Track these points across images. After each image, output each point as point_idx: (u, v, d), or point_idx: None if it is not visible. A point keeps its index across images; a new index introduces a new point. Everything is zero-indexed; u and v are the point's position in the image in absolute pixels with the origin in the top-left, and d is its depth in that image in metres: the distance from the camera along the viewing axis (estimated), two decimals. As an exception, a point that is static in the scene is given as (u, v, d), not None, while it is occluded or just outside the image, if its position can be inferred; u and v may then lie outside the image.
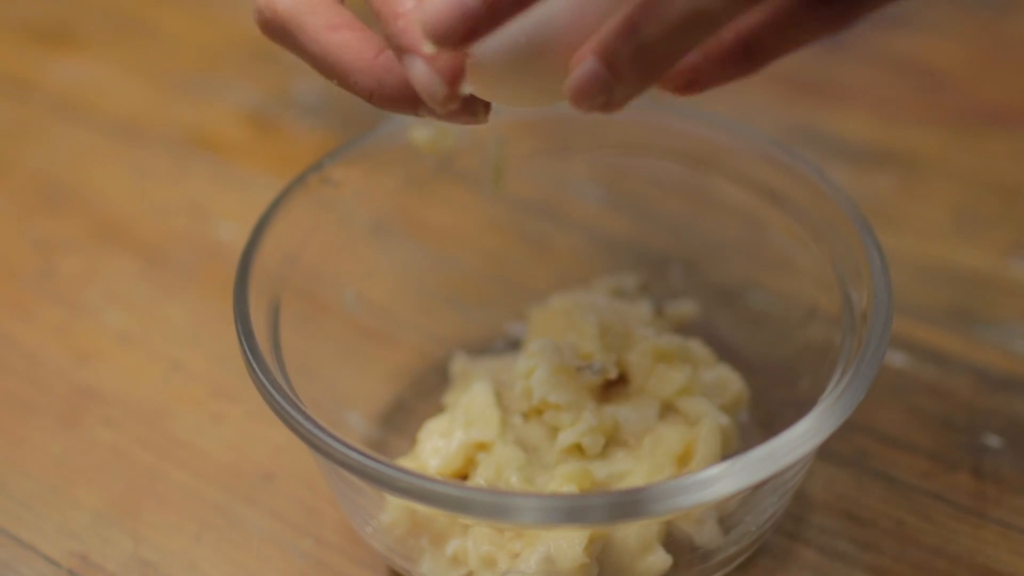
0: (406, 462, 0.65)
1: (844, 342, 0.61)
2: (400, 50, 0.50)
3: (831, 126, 0.92)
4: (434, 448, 0.64)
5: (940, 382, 0.73)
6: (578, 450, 0.63)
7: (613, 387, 0.66)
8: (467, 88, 0.52)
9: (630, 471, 0.63)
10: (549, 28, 0.50)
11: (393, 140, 0.71)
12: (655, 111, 0.71)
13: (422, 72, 0.50)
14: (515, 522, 0.53)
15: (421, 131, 0.70)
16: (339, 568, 0.66)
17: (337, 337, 0.73)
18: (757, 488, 0.59)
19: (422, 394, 0.74)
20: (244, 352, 0.60)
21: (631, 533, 0.60)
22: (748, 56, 0.52)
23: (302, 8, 0.54)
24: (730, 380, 0.67)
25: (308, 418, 0.56)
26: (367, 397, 0.72)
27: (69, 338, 0.80)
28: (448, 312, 0.78)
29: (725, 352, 0.70)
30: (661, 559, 0.60)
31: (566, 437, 0.63)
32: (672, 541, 0.61)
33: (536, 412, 0.64)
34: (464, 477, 0.64)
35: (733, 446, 0.65)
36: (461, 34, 0.47)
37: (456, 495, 0.53)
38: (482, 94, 0.53)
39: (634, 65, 0.49)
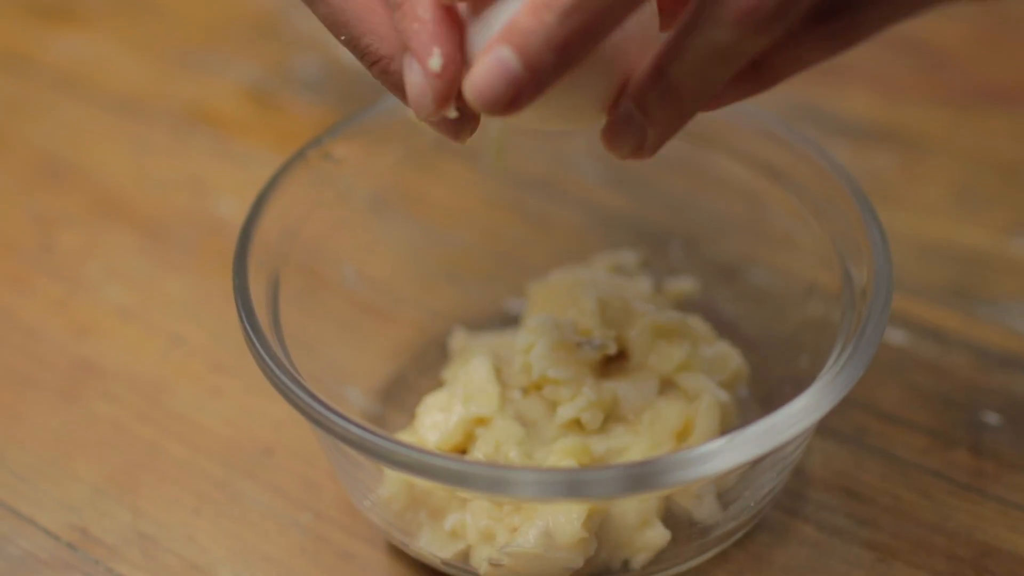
0: (405, 437, 0.65)
1: (844, 319, 0.61)
2: (405, 48, 0.51)
3: (832, 104, 0.92)
4: (433, 423, 0.64)
5: (939, 359, 0.73)
6: (577, 425, 0.63)
7: (612, 363, 0.66)
8: (452, 113, 0.52)
9: (629, 446, 0.63)
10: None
11: (393, 116, 0.71)
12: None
13: (417, 80, 0.50)
14: (513, 496, 0.53)
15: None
16: (338, 542, 0.66)
17: (336, 312, 0.73)
18: (756, 464, 0.59)
19: (421, 369, 0.74)
20: (244, 327, 0.60)
21: (630, 508, 0.60)
22: (759, 75, 0.53)
23: None
24: (729, 356, 0.67)
25: (307, 392, 0.56)
26: (366, 372, 0.73)
27: (69, 313, 0.80)
28: (447, 288, 0.78)
29: (724, 328, 0.70)
30: (660, 534, 0.60)
31: (565, 412, 0.63)
32: (671, 516, 0.61)
33: (535, 387, 0.64)
34: (463, 452, 0.64)
35: (732, 422, 0.65)
36: (507, 101, 0.47)
37: (455, 469, 0.53)
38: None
39: (663, 105, 0.50)
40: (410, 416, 0.67)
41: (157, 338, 0.78)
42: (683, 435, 0.63)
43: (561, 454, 0.61)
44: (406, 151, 0.73)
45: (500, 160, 0.70)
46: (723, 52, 0.48)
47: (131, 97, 0.99)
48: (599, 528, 0.60)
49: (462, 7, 0.51)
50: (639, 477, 0.52)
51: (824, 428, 0.69)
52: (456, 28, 0.50)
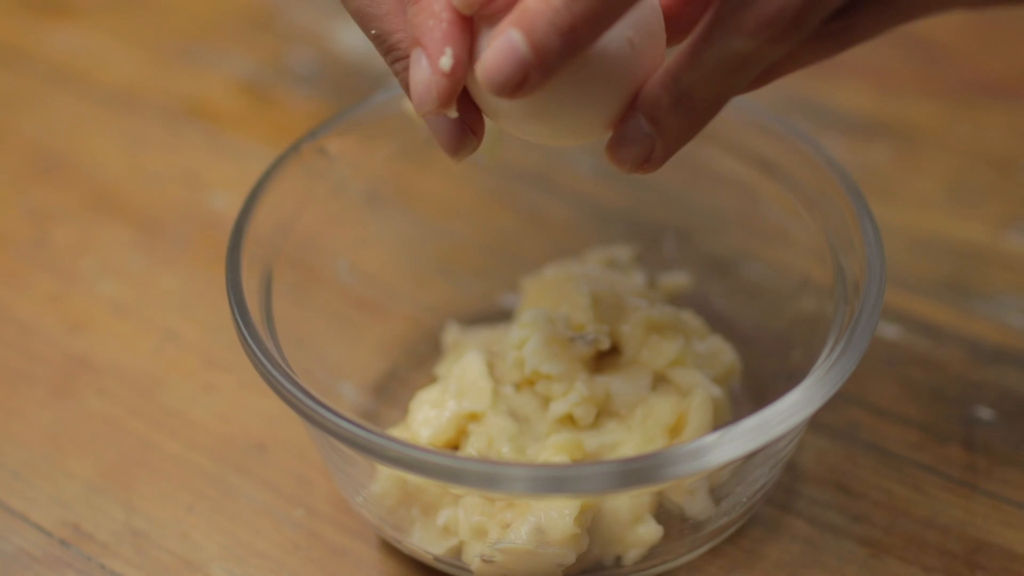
0: (397, 432, 0.65)
1: (836, 313, 0.61)
2: (415, 42, 0.51)
3: (826, 97, 0.92)
4: (425, 418, 0.64)
5: (932, 354, 0.73)
6: (570, 420, 0.63)
7: (605, 358, 0.66)
8: (453, 112, 0.53)
9: (621, 441, 0.63)
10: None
11: (387, 110, 0.71)
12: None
13: (424, 76, 0.51)
14: (506, 491, 0.53)
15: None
16: (330, 538, 0.66)
17: (330, 307, 0.73)
18: (748, 459, 0.59)
19: (414, 364, 0.74)
20: (236, 322, 0.60)
21: (622, 504, 0.60)
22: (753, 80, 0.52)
23: None
24: (722, 351, 0.67)
25: (299, 388, 0.56)
26: (359, 367, 0.73)
27: (62, 307, 0.80)
28: (441, 282, 0.78)
29: (718, 323, 0.70)
30: (652, 530, 0.60)
31: (558, 407, 0.63)
32: (663, 512, 0.61)
33: (528, 382, 0.64)
34: (456, 448, 0.64)
35: (725, 417, 0.65)
36: (515, 82, 0.48)
37: (446, 464, 0.53)
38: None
39: (675, 115, 0.50)
40: (403, 411, 0.67)
41: (151, 333, 0.78)
42: (676, 430, 0.63)
43: (554, 450, 0.61)
44: (400, 145, 0.73)
45: (494, 155, 0.70)
46: (740, 61, 0.48)
47: (125, 91, 0.99)
48: (591, 524, 0.60)
49: None
50: (631, 473, 0.52)
51: (817, 423, 0.69)
52: (468, 31, 0.51)
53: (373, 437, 0.53)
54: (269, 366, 0.57)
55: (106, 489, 0.69)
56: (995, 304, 0.76)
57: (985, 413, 0.70)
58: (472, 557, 0.60)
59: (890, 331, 0.74)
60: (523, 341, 0.64)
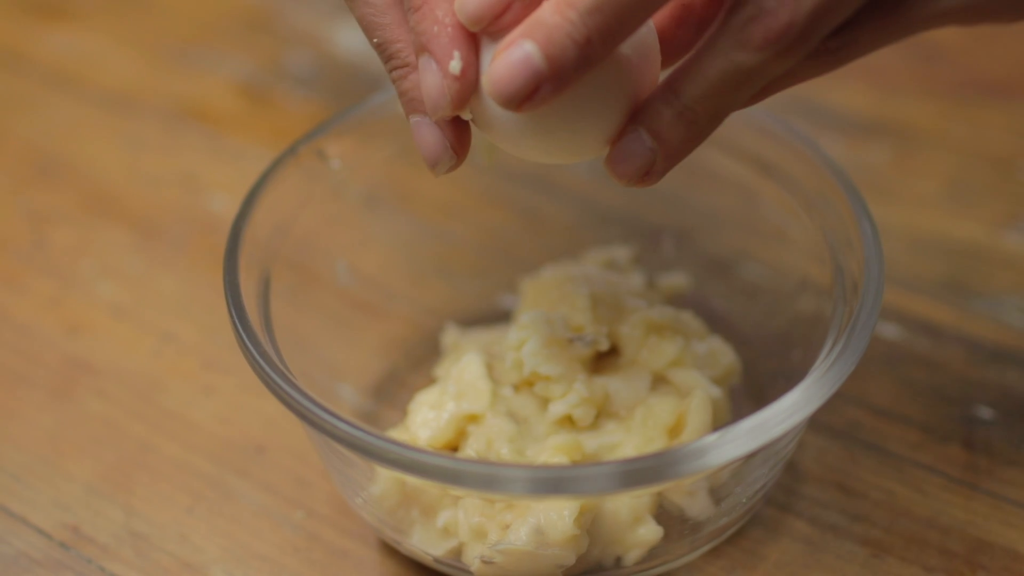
0: (397, 434, 0.65)
1: (835, 313, 0.61)
2: (422, 49, 0.52)
3: (825, 97, 0.92)
4: (424, 420, 0.64)
5: (932, 354, 0.73)
6: (569, 421, 0.63)
7: (604, 359, 0.66)
8: (467, 115, 0.54)
9: (621, 442, 0.63)
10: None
11: (385, 111, 0.71)
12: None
13: (434, 81, 0.51)
14: (505, 493, 0.53)
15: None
16: (330, 540, 0.66)
17: (328, 309, 0.73)
18: (748, 459, 0.59)
19: (413, 366, 0.74)
20: (234, 325, 0.59)
21: (622, 505, 0.60)
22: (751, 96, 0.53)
23: None
24: (722, 352, 0.67)
25: (298, 390, 0.56)
26: (358, 369, 0.72)
27: (61, 310, 0.80)
28: (440, 284, 0.78)
29: (717, 324, 0.70)
30: (652, 530, 0.60)
31: (557, 408, 0.63)
32: (663, 513, 0.61)
33: (527, 384, 0.64)
34: (455, 449, 0.64)
35: (724, 417, 0.65)
36: (526, 94, 0.48)
37: (446, 466, 0.53)
38: (494, 137, 0.55)
39: (677, 128, 0.51)
40: (402, 413, 0.67)
41: (149, 336, 0.78)
42: (675, 431, 0.63)
43: (553, 451, 0.61)
44: (398, 147, 0.72)
45: (492, 158, 0.70)
46: (745, 75, 0.49)
47: (123, 93, 0.99)
48: (591, 525, 0.59)
49: None
50: (631, 474, 0.52)
51: (817, 423, 0.69)
52: (473, 36, 0.52)
53: (372, 439, 0.53)
54: (267, 369, 0.57)
55: (106, 491, 0.69)
56: (995, 304, 0.76)
57: (985, 413, 0.70)
58: (472, 558, 0.60)
59: (890, 331, 0.74)
60: (522, 342, 0.64)
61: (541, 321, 0.64)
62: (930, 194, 0.84)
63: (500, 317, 0.75)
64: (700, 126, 0.51)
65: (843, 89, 0.93)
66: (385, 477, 0.61)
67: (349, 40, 1.01)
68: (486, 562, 0.59)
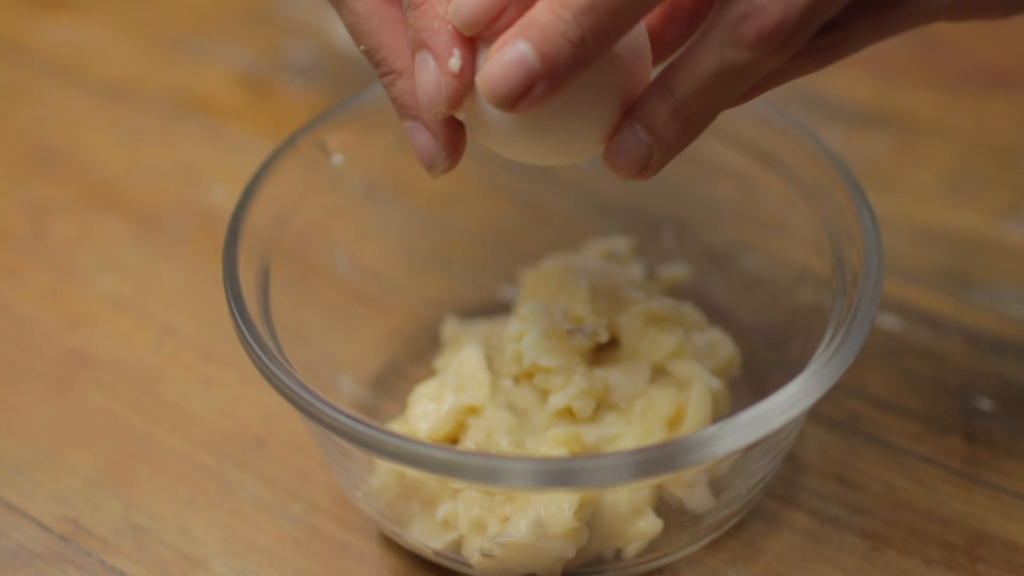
0: (396, 426, 0.65)
1: (835, 304, 0.61)
2: (421, 45, 0.52)
3: (825, 88, 0.92)
4: (424, 412, 0.64)
5: (933, 345, 0.73)
6: (569, 413, 0.63)
7: (604, 350, 0.66)
8: (462, 114, 0.54)
9: (620, 434, 0.63)
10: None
11: (385, 102, 0.70)
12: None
13: (432, 79, 0.52)
14: (505, 486, 0.53)
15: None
16: (330, 532, 0.66)
17: (328, 300, 0.73)
18: (748, 451, 0.59)
19: (413, 358, 0.74)
20: (233, 317, 0.59)
21: (622, 497, 0.60)
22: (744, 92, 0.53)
23: None
24: (721, 343, 0.67)
25: (298, 382, 0.56)
26: (358, 361, 0.72)
27: (61, 302, 0.80)
28: (439, 275, 0.78)
29: (717, 315, 0.70)
30: (652, 523, 0.60)
31: (556, 400, 0.63)
32: (663, 505, 0.61)
33: (527, 376, 0.64)
34: (454, 441, 0.64)
35: (724, 409, 0.65)
36: (520, 94, 0.49)
37: (445, 459, 0.52)
38: (486, 139, 0.55)
39: (671, 124, 0.51)
40: (402, 405, 0.67)
41: (149, 328, 0.78)
42: (675, 423, 0.63)
43: (553, 443, 0.61)
44: (398, 138, 0.72)
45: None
46: (737, 72, 0.49)
47: (123, 84, 0.99)
48: (591, 518, 0.59)
49: None
50: (631, 466, 0.52)
51: (816, 415, 0.69)
52: (470, 38, 0.52)
53: (371, 431, 0.53)
54: (267, 361, 0.57)
55: (106, 484, 0.69)
56: (995, 294, 0.76)
57: (985, 404, 0.69)
58: (472, 551, 0.60)
59: (890, 322, 0.74)
60: (521, 334, 0.64)
61: (541, 313, 0.64)
62: (930, 185, 0.84)
63: (500, 309, 0.75)
64: (695, 122, 0.51)
65: (843, 79, 0.93)
66: (385, 470, 0.61)
67: (349, 31, 1.01)
68: (486, 555, 0.59)
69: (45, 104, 0.98)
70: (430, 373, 0.70)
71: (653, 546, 0.61)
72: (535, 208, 0.81)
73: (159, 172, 0.90)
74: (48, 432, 0.72)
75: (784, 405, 0.53)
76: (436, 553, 0.62)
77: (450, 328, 0.72)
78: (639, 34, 0.53)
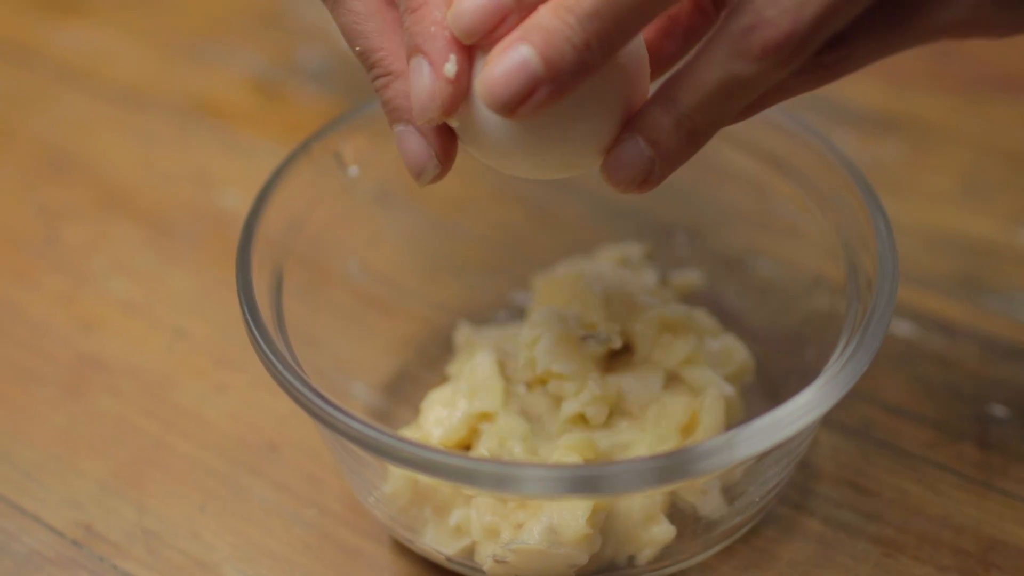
0: (409, 432, 0.65)
1: (849, 310, 0.61)
2: (416, 50, 0.51)
3: (838, 93, 0.92)
4: (437, 418, 0.64)
5: (946, 351, 0.73)
6: (582, 420, 0.63)
7: (617, 357, 0.66)
8: (455, 121, 0.53)
9: (634, 441, 0.62)
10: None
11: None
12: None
13: (426, 84, 0.51)
14: (518, 492, 0.53)
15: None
16: (342, 538, 0.66)
17: (341, 306, 0.73)
18: (761, 458, 0.59)
19: (426, 364, 0.73)
20: (246, 322, 0.59)
21: (635, 504, 0.60)
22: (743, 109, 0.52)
23: None
24: (735, 350, 0.67)
25: (311, 388, 0.56)
26: (371, 366, 0.72)
27: (73, 307, 0.80)
28: (452, 281, 0.78)
29: (730, 321, 0.70)
30: (665, 530, 0.60)
31: (570, 407, 0.63)
32: (676, 512, 0.61)
33: (540, 382, 0.64)
34: (468, 447, 0.64)
35: (738, 416, 0.64)
36: (521, 98, 0.48)
37: (459, 466, 0.52)
38: (478, 151, 0.54)
39: (676, 136, 0.50)
40: (415, 411, 0.67)
41: (162, 332, 0.78)
42: (688, 429, 0.63)
43: (566, 449, 0.61)
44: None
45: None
46: (743, 85, 0.48)
47: (135, 89, 0.99)
48: (604, 524, 0.59)
49: None
50: (644, 474, 0.52)
51: (830, 421, 0.69)
52: (468, 45, 0.51)
53: (384, 438, 0.53)
54: (280, 366, 0.57)
55: (118, 489, 0.69)
56: (1009, 300, 0.75)
57: (999, 411, 0.69)
58: (484, 557, 0.60)
59: (903, 328, 0.74)
60: (535, 340, 0.64)
61: (554, 319, 0.64)
62: (944, 190, 0.84)
63: (513, 314, 0.75)
64: (698, 134, 0.50)
65: (856, 85, 0.92)
66: (397, 476, 0.61)
67: (361, 35, 1.01)
68: (499, 561, 0.59)
69: (58, 109, 0.98)
70: (443, 379, 0.70)
71: (666, 552, 0.61)
72: (548, 214, 0.81)
73: (171, 177, 0.90)
74: (60, 437, 0.72)
75: (798, 412, 0.53)
76: (448, 559, 0.62)
77: (463, 334, 0.72)
78: (639, 46, 0.53)
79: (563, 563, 0.59)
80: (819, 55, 0.51)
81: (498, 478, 0.52)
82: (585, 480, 0.52)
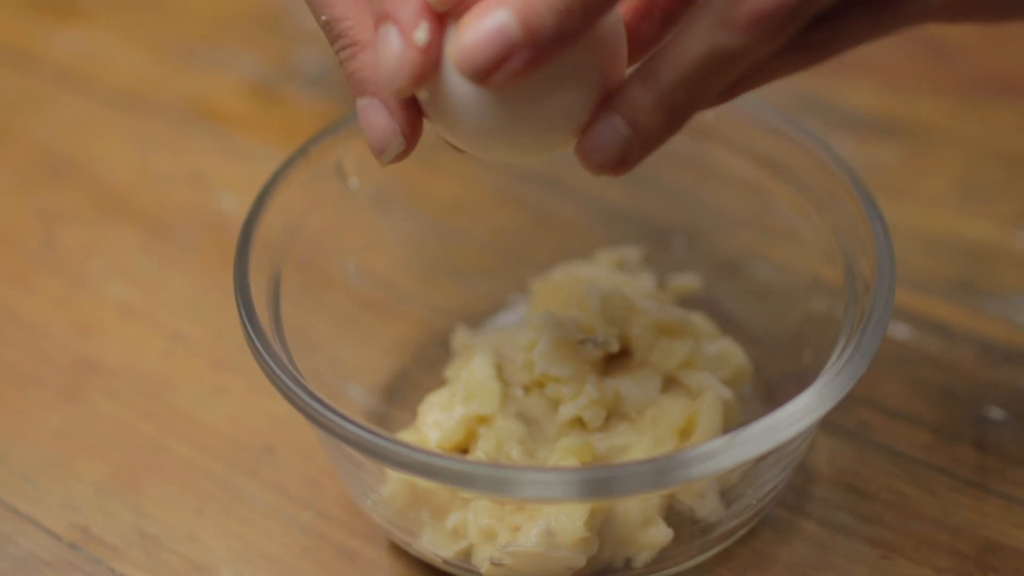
0: (407, 435, 0.65)
1: (847, 314, 0.61)
2: (386, 17, 0.49)
3: (835, 96, 0.92)
4: (435, 421, 0.64)
5: (944, 354, 0.73)
6: (579, 423, 0.63)
7: (615, 360, 0.66)
8: (424, 93, 0.51)
9: (631, 444, 0.62)
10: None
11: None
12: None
13: (395, 52, 0.49)
14: (516, 496, 0.53)
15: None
16: (340, 541, 0.66)
17: (339, 309, 0.73)
18: (759, 461, 0.59)
19: (424, 367, 0.73)
20: (244, 325, 0.59)
21: (632, 507, 0.60)
22: (727, 87, 0.50)
23: None
24: (732, 353, 0.67)
25: (307, 392, 0.56)
26: (369, 369, 0.72)
27: (71, 310, 0.80)
28: (450, 284, 0.78)
29: (728, 324, 0.70)
30: (662, 532, 0.60)
31: (567, 410, 0.63)
32: (673, 514, 0.61)
33: (537, 385, 0.64)
34: (465, 451, 0.64)
35: (735, 419, 0.64)
36: (496, 64, 0.46)
37: (456, 469, 0.52)
38: (449, 133, 0.52)
39: (654, 114, 0.48)
40: (412, 414, 0.67)
41: (159, 335, 0.78)
42: (686, 433, 0.63)
43: (563, 453, 0.61)
44: (408, 146, 0.72)
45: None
46: (727, 58, 0.46)
47: (133, 92, 0.99)
48: (601, 527, 0.59)
49: None
50: (640, 477, 0.52)
51: (828, 424, 0.69)
52: (440, 15, 0.49)
53: (381, 441, 0.53)
54: (277, 370, 0.57)
55: (115, 492, 0.69)
56: (1006, 303, 0.75)
57: (996, 413, 0.69)
58: (482, 560, 0.60)
59: (901, 331, 0.74)
60: (532, 344, 0.64)
61: (552, 322, 0.64)
62: (941, 193, 0.84)
63: (511, 317, 0.75)
64: (679, 113, 0.48)
65: (853, 88, 0.93)
66: (395, 479, 0.61)
67: (359, 38, 1.01)
68: (496, 564, 0.59)
69: (55, 112, 0.98)
70: (441, 382, 0.70)
71: (663, 555, 0.61)
72: (545, 217, 0.81)
73: (169, 180, 0.90)
74: (57, 439, 0.72)
75: (796, 416, 0.53)
76: (446, 562, 0.62)
77: (460, 337, 0.72)
78: (617, 21, 0.51)
79: (560, 566, 0.59)
80: (805, 33, 0.49)
81: (495, 482, 0.52)
82: (583, 483, 0.52)
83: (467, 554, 0.61)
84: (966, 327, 0.74)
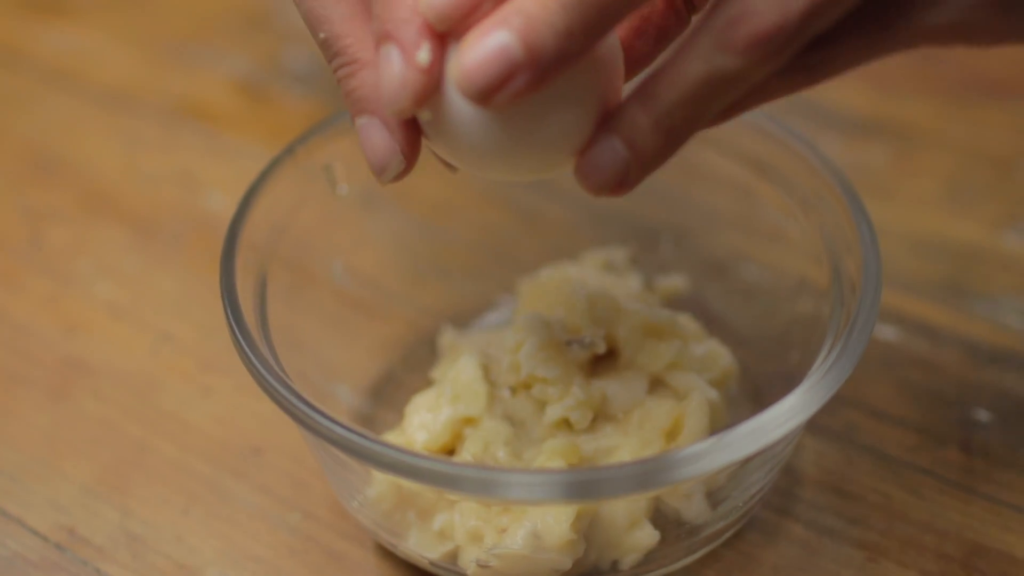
0: (393, 437, 0.65)
1: (833, 315, 0.61)
2: (387, 37, 0.49)
3: (823, 97, 0.92)
4: (421, 423, 0.64)
5: (930, 356, 0.73)
6: (566, 425, 0.63)
7: (602, 361, 0.66)
8: (426, 114, 0.51)
9: (618, 446, 0.62)
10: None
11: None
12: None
13: (397, 72, 0.49)
14: (502, 498, 0.53)
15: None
16: (326, 542, 0.66)
17: (325, 309, 0.73)
18: (745, 462, 0.59)
19: (410, 367, 0.73)
20: (230, 325, 0.59)
21: (618, 509, 0.60)
22: (724, 109, 0.50)
23: None
24: (719, 354, 0.67)
25: (294, 392, 0.56)
26: (355, 370, 0.72)
27: (58, 309, 0.80)
28: (437, 284, 0.78)
29: (715, 326, 0.70)
30: (648, 535, 0.60)
31: (554, 411, 0.62)
32: (660, 516, 0.61)
33: (524, 386, 0.64)
34: (451, 452, 0.64)
35: (722, 420, 0.64)
36: (498, 85, 0.46)
37: (442, 471, 0.52)
38: (445, 151, 0.53)
39: (654, 136, 0.48)
40: (399, 415, 0.67)
41: (147, 335, 0.78)
42: (672, 434, 0.63)
43: (550, 454, 0.61)
44: (396, 146, 0.72)
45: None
46: (725, 81, 0.47)
47: (121, 91, 0.99)
48: (588, 529, 0.59)
49: None
50: (626, 479, 0.52)
51: (814, 426, 0.69)
52: (441, 34, 0.49)
53: (367, 443, 0.53)
54: (263, 370, 0.57)
55: (102, 492, 0.69)
56: (993, 305, 0.75)
57: (983, 415, 0.69)
58: (468, 562, 0.60)
59: (888, 332, 0.74)
60: (519, 345, 0.64)
61: (538, 323, 0.64)
62: (929, 194, 0.84)
63: (497, 318, 0.75)
64: (677, 135, 0.48)
65: (841, 89, 0.93)
66: (381, 480, 0.61)
67: (347, 37, 1.01)
68: (482, 566, 0.59)
69: (42, 111, 0.98)
70: (427, 383, 0.70)
71: (650, 557, 0.61)
72: (533, 217, 0.81)
73: (156, 179, 0.90)
74: (44, 439, 0.72)
75: (782, 417, 0.53)
76: (432, 563, 0.62)
77: (447, 338, 0.72)
78: (615, 43, 0.51)
79: (547, 568, 0.59)
80: (803, 56, 0.49)
81: (481, 483, 0.52)
82: (569, 485, 0.52)
83: (453, 556, 0.61)
84: (953, 328, 0.74)
